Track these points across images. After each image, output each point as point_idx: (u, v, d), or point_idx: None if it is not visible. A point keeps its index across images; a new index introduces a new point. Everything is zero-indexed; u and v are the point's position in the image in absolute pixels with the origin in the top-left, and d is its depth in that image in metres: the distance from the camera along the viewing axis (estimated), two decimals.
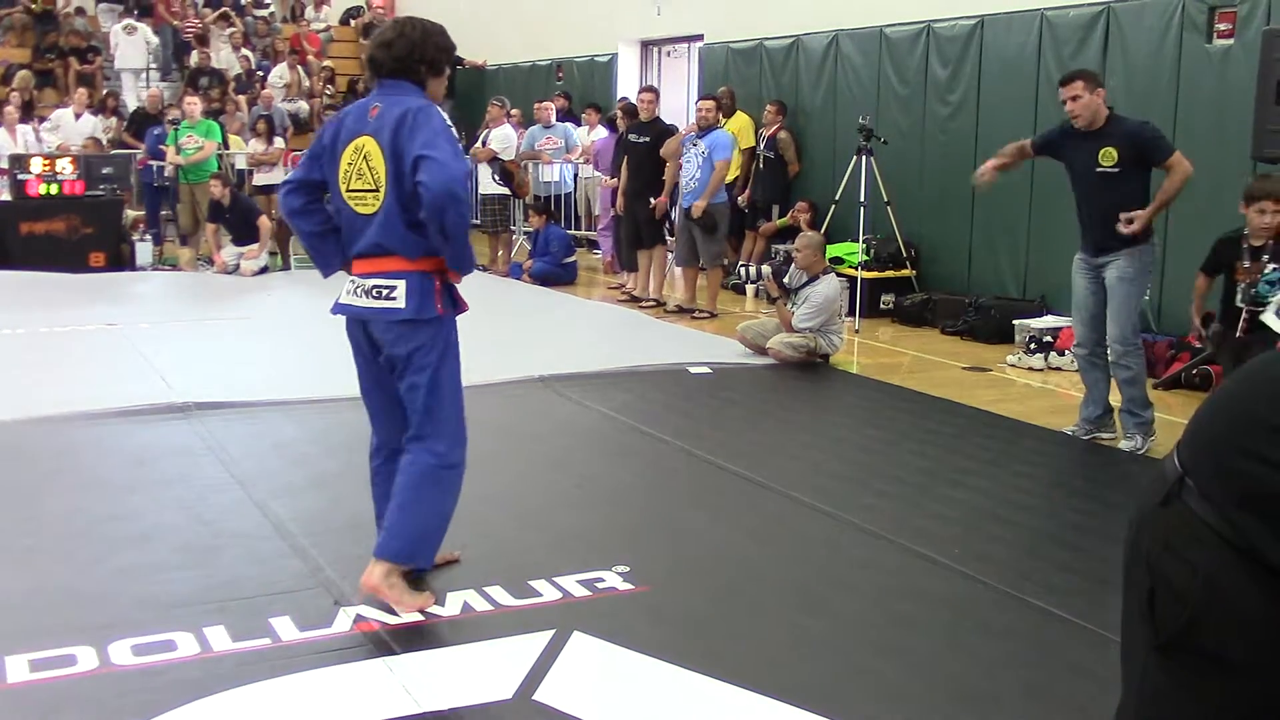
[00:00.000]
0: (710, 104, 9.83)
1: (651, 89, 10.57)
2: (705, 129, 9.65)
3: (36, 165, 11.38)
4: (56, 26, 17.41)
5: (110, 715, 3.01)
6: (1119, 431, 5.92)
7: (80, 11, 18.11)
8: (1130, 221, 5.55)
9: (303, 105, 16.94)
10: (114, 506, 4.67)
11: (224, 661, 3.28)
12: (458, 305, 3.76)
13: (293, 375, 6.97)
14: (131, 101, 16.10)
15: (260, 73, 17.54)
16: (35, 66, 16.50)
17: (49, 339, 8.11)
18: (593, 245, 13.31)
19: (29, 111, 14.72)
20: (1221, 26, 7.67)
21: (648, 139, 10.06)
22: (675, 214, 10.54)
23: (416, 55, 3.69)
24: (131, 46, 17.13)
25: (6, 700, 3.11)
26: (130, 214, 12.55)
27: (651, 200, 10.01)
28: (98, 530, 4.37)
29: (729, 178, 11.16)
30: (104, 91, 16.12)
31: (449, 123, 3.59)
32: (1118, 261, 5.70)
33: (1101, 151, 5.66)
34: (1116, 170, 5.64)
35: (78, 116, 14.35)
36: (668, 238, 10.84)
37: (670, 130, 10.25)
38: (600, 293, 10.85)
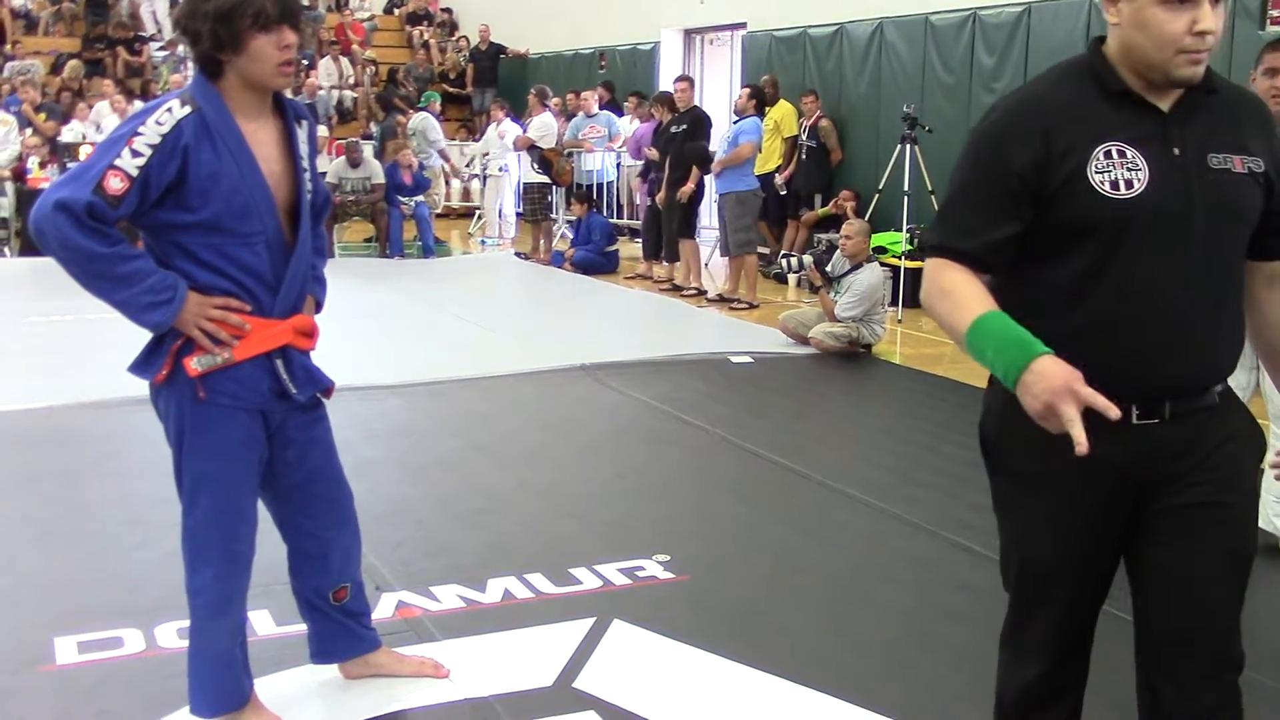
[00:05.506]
0: (743, 93, 10.20)
1: (686, 78, 10.55)
2: (739, 116, 9.92)
3: (85, 154, 11.52)
4: (105, 16, 17.61)
5: (156, 696, 3.05)
6: None
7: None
8: None
9: (346, 94, 17.04)
10: (161, 491, 4.68)
11: (269, 645, 3.32)
12: (210, 380, 2.77)
13: (333, 362, 6.99)
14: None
15: (305, 61, 17.67)
16: (85, 56, 16.70)
17: (96, 325, 8.20)
18: (635, 234, 13.31)
19: (79, 99, 14.86)
20: (1275, 13, 7.55)
21: (684, 127, 10.07)
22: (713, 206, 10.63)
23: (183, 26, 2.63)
24: None
25: (55, 681, 3.17)
26: None
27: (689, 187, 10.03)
28: (145, 515, 4.41)
29: (770, 166, 11.14)
30: (147, 79, 16.29)
31: (138, 130, 2.54)
32: None
33: None
34: None
35: (114, 107, 14.34)
36: (699, 228, 10.92)
37: (705, 117, 10.26)
38: (643, 282, 10.84)
